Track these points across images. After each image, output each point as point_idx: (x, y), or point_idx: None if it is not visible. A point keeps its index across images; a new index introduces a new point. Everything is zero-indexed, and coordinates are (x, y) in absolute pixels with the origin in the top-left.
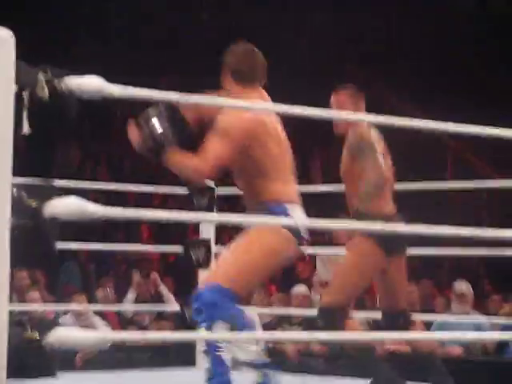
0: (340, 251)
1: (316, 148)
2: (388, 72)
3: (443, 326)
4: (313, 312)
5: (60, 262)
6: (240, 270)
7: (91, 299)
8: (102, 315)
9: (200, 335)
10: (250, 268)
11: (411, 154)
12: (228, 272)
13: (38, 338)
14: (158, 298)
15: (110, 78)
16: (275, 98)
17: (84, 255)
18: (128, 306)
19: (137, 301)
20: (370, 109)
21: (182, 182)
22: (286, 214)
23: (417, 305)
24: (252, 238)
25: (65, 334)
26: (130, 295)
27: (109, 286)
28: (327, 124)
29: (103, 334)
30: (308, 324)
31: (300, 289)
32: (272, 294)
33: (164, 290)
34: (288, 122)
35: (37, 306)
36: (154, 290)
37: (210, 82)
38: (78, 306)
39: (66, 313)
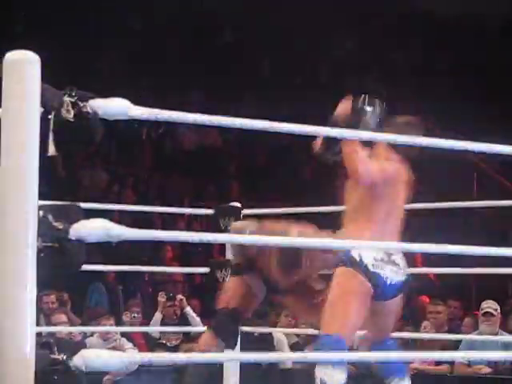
0: None
1: (341, 168)
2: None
3: (471, 346)
4: None
5: (87, 283)
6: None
7: (118, 321)
8: (129, 338)
9: (227, 356)
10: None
11: (435, 173)
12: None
13: (64, 359)
14: (184, 320)
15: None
16: (293, 114)
17: (111, 277)
18: (154, 328)
19: (163, 323)
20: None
21: (205, 204)
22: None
23: (445, 325)
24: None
25: (92, 356)
26: (157, 317)
27: (136, 308)
28: None
29: (131, 356)
30: None
31: None
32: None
33: (190, 311)
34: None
35: (63, 328)
36: (180, 312)
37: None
38: (105, 327)
39: (92, 335)
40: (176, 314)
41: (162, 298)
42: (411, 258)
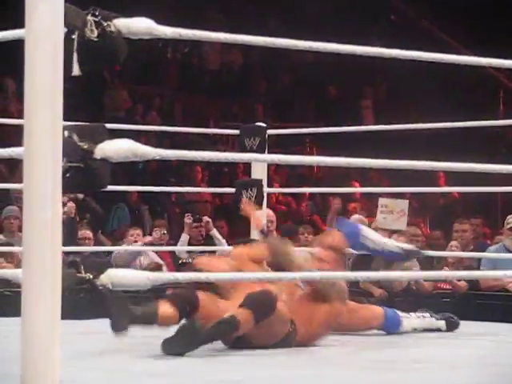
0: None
1: (367, 87)
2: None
3: (495, 262)
4: None
5: (112, 204)
6: None
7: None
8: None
9: (248, 275)
10: None
11: (462, 92)
12: None
13: (91, 278)
14: (210, 241)
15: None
16: (323, 36)
17: (136, 198)
18: (180, 248)
19: (189, 243)
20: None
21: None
22: None
23: (470, 244)
24: None
25: (118, 274)
26: (183, 238)
27: (162, 227)
28: (377, 63)
29: (156, 275)
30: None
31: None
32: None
33: (216, 233)
34: (339, 62)
35: (90, 248)
36: (205, 233)
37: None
38: (133, 240)
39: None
40: (202, 235)
41: (188, 219)
42: (435, 178)
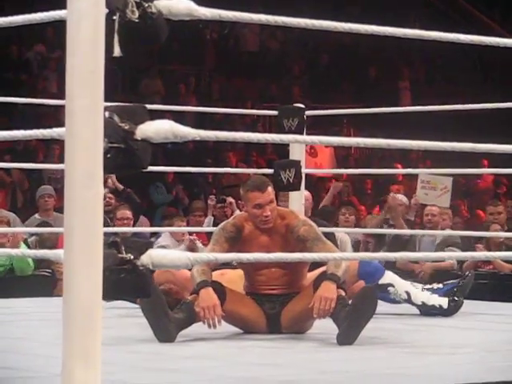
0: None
1: (405, 69)
2: None
3: None
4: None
5: (151, 183)
6: None
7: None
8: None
9: (282, 256)
10: None
11: (500, 73)
12: None
13: (132, 258)
14: None
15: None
16: (362, 18)
17: (173, 179)
18: (207, 229)
19: (215, 224)
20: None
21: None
22: None
23: (504, 225)
24: None
25: (159, 255)
26: (208, 219)
27: (199, 211)
28: (415, 45)
29: (197, 255)
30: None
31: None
32: (363, 214)
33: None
34: (377, 44)
35: (132, 229)
36: (230, 214)
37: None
38: (176, 228)
39: (159, 236)
40: (227, 215)
41: (211, 201)
42: (479, 160)
